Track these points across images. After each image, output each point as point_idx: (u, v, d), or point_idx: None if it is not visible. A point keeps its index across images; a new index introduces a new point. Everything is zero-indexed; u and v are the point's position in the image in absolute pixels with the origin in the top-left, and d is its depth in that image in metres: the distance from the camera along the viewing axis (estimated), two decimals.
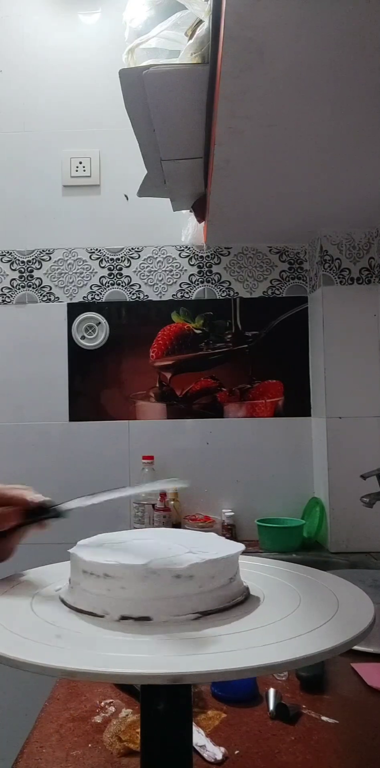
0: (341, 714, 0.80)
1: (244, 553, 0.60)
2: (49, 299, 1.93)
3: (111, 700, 0.85)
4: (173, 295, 1.92)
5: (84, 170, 1.94)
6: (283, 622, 0.52)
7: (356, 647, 0.51)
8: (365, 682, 0.88)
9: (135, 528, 1.75)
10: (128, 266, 1.93)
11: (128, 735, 0.74)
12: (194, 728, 0.74)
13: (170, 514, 1.76)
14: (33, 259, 1.93)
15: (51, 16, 1.97)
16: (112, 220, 1.94)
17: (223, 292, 1.92)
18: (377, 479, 1.33)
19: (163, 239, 1.93)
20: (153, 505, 1.76)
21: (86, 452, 1.87)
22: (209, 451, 1.88)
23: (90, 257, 1.93)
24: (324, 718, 0.79)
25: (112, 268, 1.93)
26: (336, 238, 1.76)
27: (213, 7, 0.94)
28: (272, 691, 0.82)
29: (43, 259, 1.93)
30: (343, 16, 0.79)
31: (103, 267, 1.93)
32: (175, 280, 1.92)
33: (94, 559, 0.56)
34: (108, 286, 1.93)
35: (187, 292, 1.92)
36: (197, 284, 1.92)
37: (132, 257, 1.93)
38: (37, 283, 1.93)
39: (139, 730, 0.59)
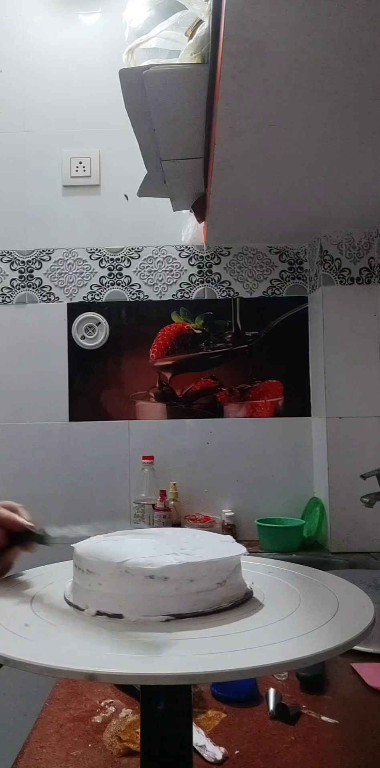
0: (341, 714, 0.80)
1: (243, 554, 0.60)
2: (49, 299, 1.93)
3: (111, 700, 0.85)
4: (173, 295, 1.92)
5: (84, 170, 1.94)
6: (283, 623, 0.52)
7: (356, 647, 0.51)
8: (365, 682, 0.88)
9: (135, 528, 1.75)
10: (128, 266, 1.93)
11: (128, 735, 0.74)
12: (194, 728, 0.74)
13: (170, 514, 1.76)
14: (33, 259, 1.93)
15: (51, 16, 1.97)
16: (112, 220, 1.94)
17: (223, 292, 1.92)
18: (377, 479, 1.33)
19: (163, 239, 1.93)
20: (153, 505, 1.76)
21: (86, 452, 1.87)
22: (209, 451, 1.88)
23: (90, 257, 1.93)
24: (324, 718, 0.79)
25: (112, 268, 1.93)
26: (336, 238, 1.76)
27: (213, 7, 0.94)
28: (272, 691, 0.82)
29: (43, 259, 1.93)
30: (343, 16, 0.79)
31: (103, 267, 1.93)
32: (175, 280, 1.92)
33: (82, 553, 0.57)
34: (108, 286, 1.93)
35: (187, 292, 1.92)
36: (197, 284, 1.92)
37: (132, 257, 1.93)
38: (37, 283, 1.93)
39: (139, 730, 0.59)
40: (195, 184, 1.52)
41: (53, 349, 1.91)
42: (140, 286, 1.93)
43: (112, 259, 1.93)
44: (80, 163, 1.94)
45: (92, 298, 1.93)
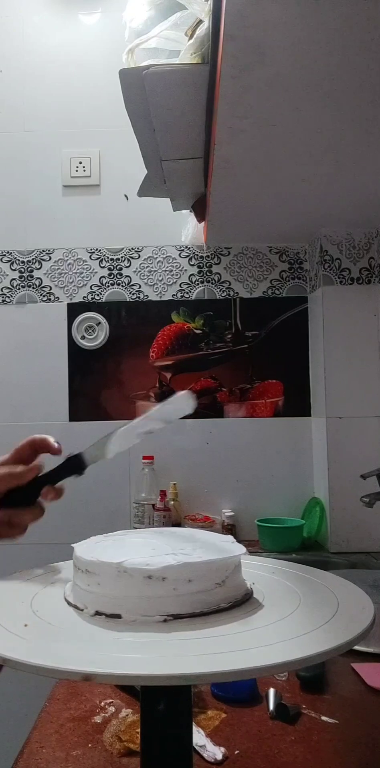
0: (341, 714, 0.80)
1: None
2: (49, 299, 1.93)
3: (111, 700, 0.85)
4: (173, 295, 1.92)
5: (84, 170, 1.94)
6: (283, 623, 0.52)
7: (356, 647, 0.51)
8: (365, 682, 0.88)
9: (135, 528, 1.75)
10: (128, 266, 1.93)
11: (128, 735, 0.74)
12: (194, 728, 0.74)
13: (170, 514, 1.76)
14: (33, 259, 1.93)
15: (51, 16, 1.97)
16: (112, 220, 1.94)
17: (223, 292, 1.92)
18: (377, 479, 1.33)
19: (163, 239, 1.93)
20: (153, 505, 1.76)
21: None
22: (209, 451, 1.88)
23: (90, 257, 1.93)
24: (324, 718, 0.79)
25: (112, 268, 1.93)
26: (336, 238, 1.76)
27: (213, 7, 0.94)
28: (272, 691, 0.82)
29: (43, 259, 1.93)
30: (343, 16, 0.79)
31: (103, 267, 1.93)
32: (175, 280, 1.92)
33: (81, 554, 0.57)
34: (108, 286, 1.93)
35: (187, 292, 1.92)
36: (197, 284, 1.92)
37: (132, 257, 1.93)
38: (37, 283, 1.93)
39: (139, 730, 0.59)
40: (195, 184, 1.52)
41: (53, 349, 1.91)
42: (140, 286, 1.93)
43: (112, 259, 1.93)
44: (80, 163, 1.94)
45: (92, 298, 1.93)
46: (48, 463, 0.74)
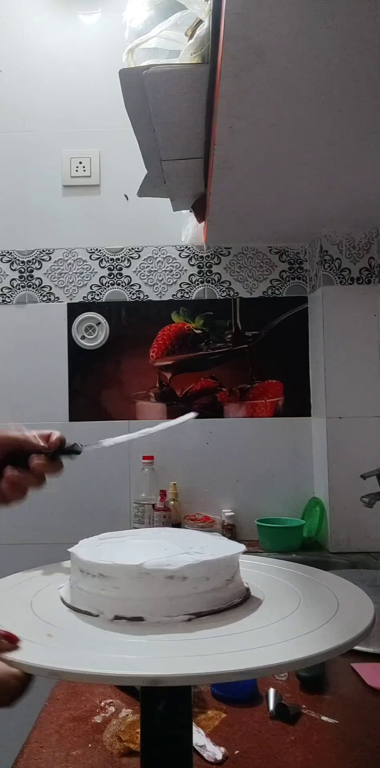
0: (341, 714, 0.80)
1: (244, 552, 0.60)
2: (49, 299, 1.93)
3: (111, 700, 0.85)
4: (173, 295, 1.92)
5: (84, 170, 1.94)
6: (283, 623, 0.52)
7: (356, 647, 0.51)
8: (365, 682, 0.88)
9: (135, 528, 1.75)
10: (128, 266, 1.93)
11: (128, 735, 0.74)
12: (194, 728, 0.74)
13: (170, 514, 1.76)
14: (33, 259, 1.93)
15: (51, 16, 1.97)
16: (112, 220, 1.94)
17: (223, 292, 1.92)
18: (377, 479, 1.33)
19: (163, 239, 1.93)
20: (153, 505, 1.76)
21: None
22: (209, 451, 1.88)
23: (90, 257, 1.93)
24: (324, 718, 0.79)
25: (112, 268, 1.93)
26: (336, 238, 1.76)
27: (213, 7, 0.94)
28: (272, 691, 0.82)
29: (43, 259, 1.93)
30: (343, 16, 0.79)
31: (103, 267, 1.93)
32: (175, 280, 1.92)
33: (90, 558, 0.56)
34: (108, 286, 1.93)
35: (187, 292, 1.92)
36: (197, 284, 1.92)
37: (132, 257, 1.93)
38: (37, 283, 1.93)
39: (139, 730, 0.59)
40: (195, 184, 1.52)
41: (53, 349, 1.91)
42: (140, 286, 1.93)
43: (112, 259, 1.93)
44: (80, 163, 1.94)
45: (92, 298, 1.93)
46: None
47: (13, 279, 1.93)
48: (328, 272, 1.75)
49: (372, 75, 0.93)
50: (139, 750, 0.57)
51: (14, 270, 1.93)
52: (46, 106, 1.95)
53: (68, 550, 0.59)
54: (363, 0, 0.76)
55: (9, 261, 1.93)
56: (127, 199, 1.93)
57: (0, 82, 1.96)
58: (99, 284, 1.93)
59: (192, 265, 1.93)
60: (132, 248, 1.93)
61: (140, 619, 0.52)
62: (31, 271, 1.93)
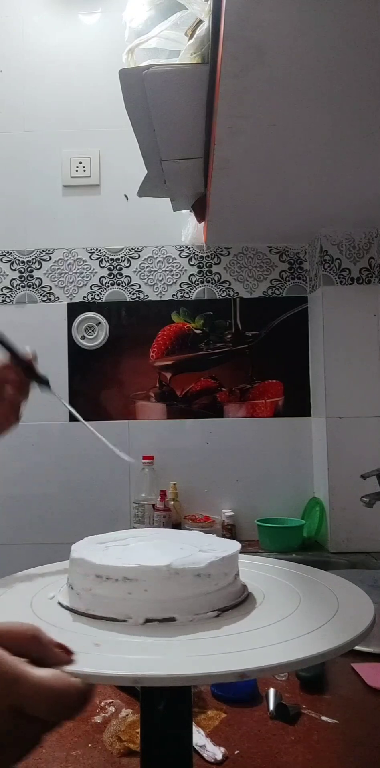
0: (341, 714, 0.80)
1: (244, 553, 0.61)
2: (49, 299, 1.93)
3: (111, 700, 0.85)
4: (173, 295, 1.92)
5: (84, 170, 1.94)
6: (283, 623, 0.52)
7: (356, 647, 0.51)
8: (365, 682, 0.88)
9: (135, 528, 1.75)
10: (128, 266, 1.93)
11: (128, 735, 0.74)
12: (194, 728, 0.74)
13: (170, 514, 1.76)
14: (33, 259, 1.93)
15: (51, 16, 1.97)
16: (112, 220, 1.94)
17: (223, 292, 1.92)
18: (377, 479, 1.33)
19: (163, 239, 1.93)
20: (153, 505, 1.76)
21: (86, 452, 1.87)
22: (209, 451, 1.88)
23: (90, 257, 1.93)
24: (324, 718, 0.79)
25: (112, 268, 1.93)
26: (336, 238, 1.76)
27: (213, 7, 0.94)
28: (272, 691, 0.82)
29: (43, 259, 1.93)
30: (343, 15, 0.79)
31: (103, 267, 1.93)
32: (175, 280, 1.92)
33: (110, 562, 0.54)
34: (108, 286, 1.93)
35: (187, 292, 1.92)
36: (197, 284, 1.92)
37: (132, 257, 1.93)
38: (37, 283, 1.93)
39: (139, 730, 0.59)
40: (195, 184, 1.52)
41: (53, 349, 1.91)
42: (140, 286, 1.93)
43: (112, 259, 1.93)
44: (80, 163, 1.94)
45: (92, 298, 1.93)
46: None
47: (13, 279, 1.93)
48: (328, 272, 1.75)
49: (372, 75, 0.93)
50: (139, 750, 0.57)
51: (14, 270, 1.93)
52: (46, 106, 1.95)
53: (73, 557, 0.57)
54: (363, 0, 0.76)
55: (9, 261, 1.93)
56: (127, 199, 1.93)
57: (0, 82, 1.96)
58: (99, 284, 1.93)
59: (192, 265, 1.93)
60: (132, 248, 1.93)
61: (171, 619, 0.52)
62: (31, 271, 1.93)
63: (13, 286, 1.93)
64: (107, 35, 1.94)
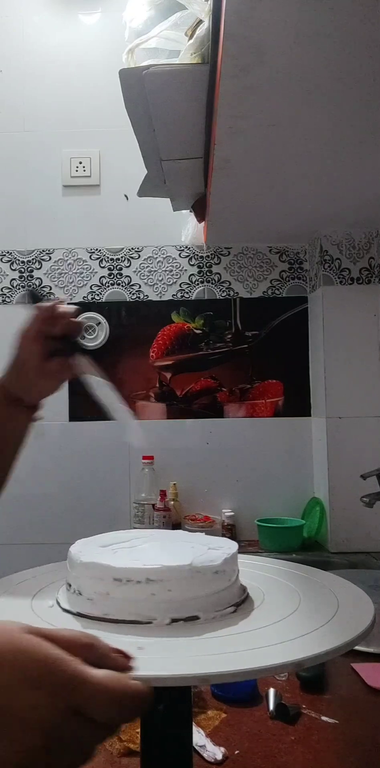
0: (341, 714, 0.80)
1: (244, 553, 0.62)
2: (49, 299, 1.92)
3: None
4: (173, 295, 1.92)
5: (84, 170, 1.94)
6: (283, 623, 0.52)
7: (356, 647, 0.51)
8: (365, 682, 0.88)
9: (135, 528, 1.75)
10: (128, 266, 1.93)
11: (128, 735, 0.74)
12: (194, 728, 0.74)
13: (170, 515, 1.76)
14: (33, 259, 1.93)
15: (51, 16, 1.97)
16: (112, 220, 1.94)
17: (223, 292, 1.92)
18: (377, 479, 1.33)
19: (163, 239, 1.93)
20: (153, 505, 1.76)
21: (86, 452, 1.87)
22: (209, 451, 1.88)
23: (90, 257, 1.93)
24: (324, 718, 0.79)
25: (112, 268, 1.93)
26: (336, 238, 1.76)
27: (213, 7, 0.94)
28: (272, 691, 0.82)
29: (43, 259, 1.93)
30: (343, 15, 0.79)
31: (103, 267, 1.93)
32: (175, 280, 1.92)
33: (129, 564, 0.54)
34: (108, 286, 1.93)
35: (187, 292, 1.92)
36: (197, 284, 1.92)
37: (132, 257, 1.93)
38: (37, 283, 1.93)
39: (139, 730, 0.59)
40: (195, 184, 1.52)
41: None
42: (140, 286, 1.93)
43: (112, 259, 1.93)
44: (80, 163, 1.94)
45: (92, 298, 1.93)
46: None
47: (13, 279, 1.93)
48: (328, 272, 1.75)
49: (372, 75, 0.93)
50: (139, 750, 0.57)
51: (14, 270, 1.93)
52: (46, 106, 1.95)
53: (83, 560, 0.55)
54: (363, 0, 0.76)
55: (9, 261, 1.93)
56: (127, 199, 1.93)
57: (0, 82, 1.96)
58: (99, 284, 1.93)
59: (192, 265, 1.93)
60: (132, 248, 1.93)
61: (195, 618, 0.52)
62: (31, 271, 1.93)
63: (13, 286, 1.93)
64: (106, 35, 1.94)
